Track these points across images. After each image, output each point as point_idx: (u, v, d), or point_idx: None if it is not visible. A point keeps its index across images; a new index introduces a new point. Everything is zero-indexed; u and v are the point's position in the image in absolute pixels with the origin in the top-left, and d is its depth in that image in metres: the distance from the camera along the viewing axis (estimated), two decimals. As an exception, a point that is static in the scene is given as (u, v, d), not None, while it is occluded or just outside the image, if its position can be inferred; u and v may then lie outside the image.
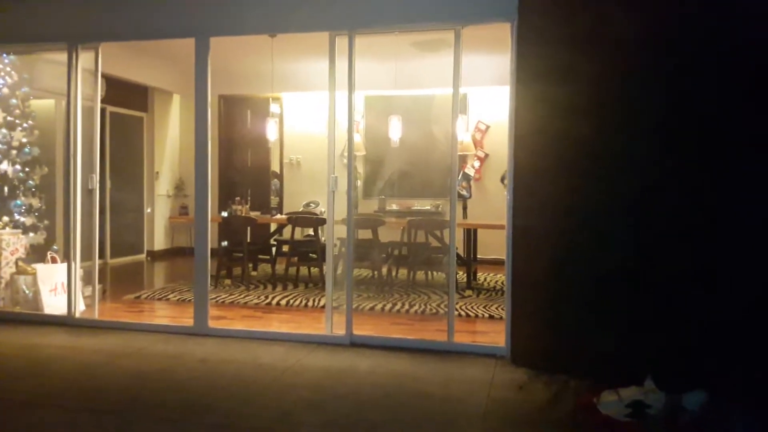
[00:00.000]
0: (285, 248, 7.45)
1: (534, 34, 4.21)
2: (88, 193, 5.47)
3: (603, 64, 3.99)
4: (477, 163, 9.19)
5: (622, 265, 3.97)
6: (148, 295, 6.59)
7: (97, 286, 5.50)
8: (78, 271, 5.47)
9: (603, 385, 3.50)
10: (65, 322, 5.34)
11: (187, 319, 5.22)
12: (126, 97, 9.19)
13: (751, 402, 3.05)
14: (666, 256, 3.89)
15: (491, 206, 8.44)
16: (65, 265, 5.50)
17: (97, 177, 5.45)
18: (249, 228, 7.44)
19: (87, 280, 5.64)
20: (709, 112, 3.81)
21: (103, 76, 5.68)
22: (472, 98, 9.11)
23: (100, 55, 5.38)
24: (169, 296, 6.49)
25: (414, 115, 8.70)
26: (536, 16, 4.19)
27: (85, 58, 5.40)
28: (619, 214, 3.99)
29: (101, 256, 8.06)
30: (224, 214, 7.51)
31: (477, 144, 9.16)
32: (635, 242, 3.96)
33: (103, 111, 8.32)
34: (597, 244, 4.05)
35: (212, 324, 5.09)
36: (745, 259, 3.72)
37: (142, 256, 9.57)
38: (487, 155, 9.16)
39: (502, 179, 6.43)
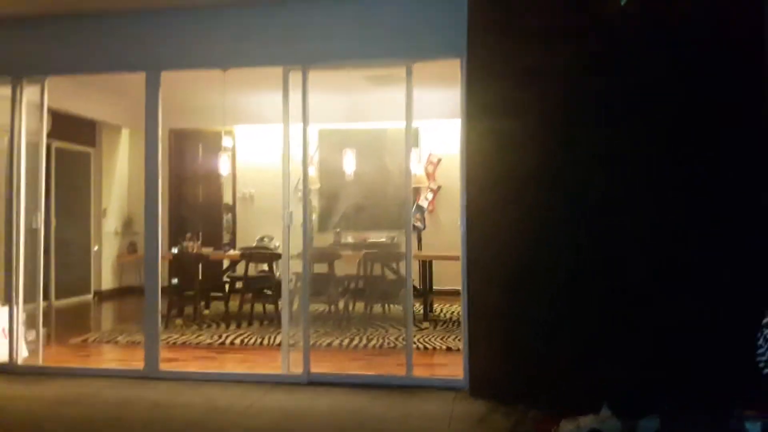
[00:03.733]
0: (239, 285, 7.32)
1: (482, 69, 4.34)
2: (31, 232, 5.26)
3: (546, 96, 4.16)
4: (430, 195, 9.30)
5: (575, 291, 4.07)
6: (96, 338, 6.34)
7: (41, 330, 5.26)
8: (20, 315, 5.22)
9: (561, 413, 3.54)
10: (6, 369, 5.06)
11: (137, 362, 5.03)
12: (73, 131, 8.95)
13: (702, 427, 3.14)
14: (615, 279, 4.02)
15: (445, 237, 8.51)
16: (6, 308, 5.24)
17: (41, 215, 5.26)
18: (201, 265, 7.28)
19: (30, 323, 5.38)
20: (648, 136, 4.03)
21: (48, 110, 5.54)
22: (425, 131, 9.25)
23: (46, 89, 5.25)
24: (117, 338, 6.26)
25: (368, 148, 8.76)
26: (484, 53, 4.32)
27: (30, 92, 5.25)
28: (567, 239, 4.12)
29: (45, 297, 7.71)
30: (174, 250, 7.35)
31: (429, 176, 9.28)
32: (584, 266, 4.08)
33: (48, 146, 8.04)
34: (548, 271, 4.15)
35: (164, 366, 4.92)
36: (694, 279, 3.88)
37: (89, 297, 9.23)
38: (439, 187, 9.28)
39: None
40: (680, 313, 3.84)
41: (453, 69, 4.62)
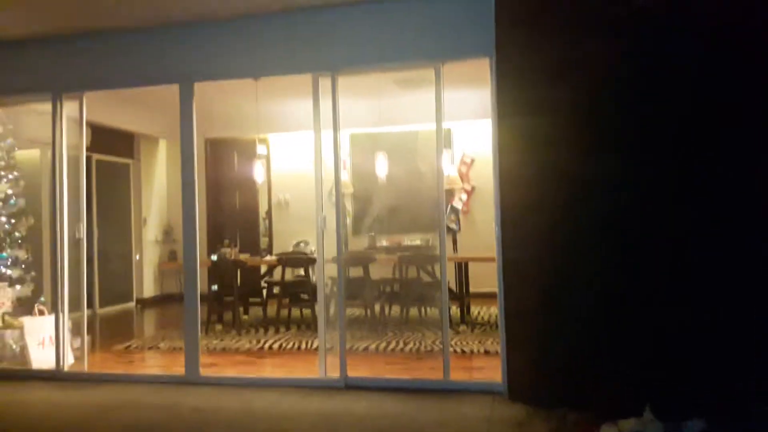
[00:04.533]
0: (276, 290, 7.39)
1: (512, 68, 4.29)
2: (75, 242, 5.42)
3: (577, 93, 4.09)
4: (464, 196, 9.24)
5: (613, 290, 3.99)
6: (138, 345, 6.48)
7: (86, 338, 5.41)
8: (66, 323, 5.38)
9: (602, 417, 3.47)
10: (54, 377, 5.23)
11: (178, 368, 5.13)
12: (112, 144, 9.20)
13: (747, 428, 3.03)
14: (654, 280, 3.92)
15: (481, 239, 8.45)
16: (53, 317, 5.41)
17: (84, 226, 5.41)
18: (239, 271, 7.38)
19: (75, 331, 5.55)
20: (680, 130, 3.92)
21: (88, 124, 5.70)
22: (457, 132, 9.21)
23: (84, 104, 5.40)
24: (159, 345, 6.39)
25: (400, 151, 8.76)
26: (513, 51, 4.28)
27: (69, 107, 5.42)
28: (604, 238, 4.03)
29: (89, 305, 7.94)
30: (213, 257, 7.46)
31: (463, 177, 9.23)
32: (623, 265, 3.99)
33: (89, 159, 8.30)
34: (586, 271, 4.07)
35: (204, 372, 5.01)
36: (738, 275, 3.75)
37: (132, 305, 9.45)
38: (473, 188, 9.22)
39: None
40: (724, 314, 3.72)
41: (483, 68, 4.59)
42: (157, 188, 10.14)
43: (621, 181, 4.02)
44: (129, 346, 6.44)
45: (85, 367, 5.31)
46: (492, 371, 4.79)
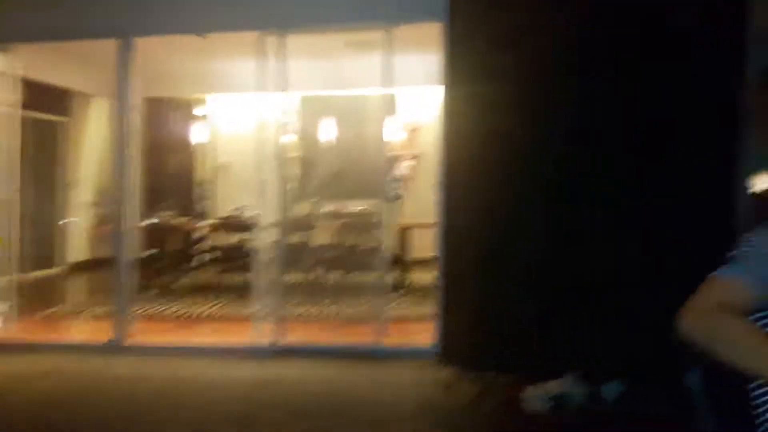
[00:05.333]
0: (212, 256, 7.22)
1: (464, 34, 4.24)
2: (5, 204, 5.13)
3: (526, 60, 4.06)
4: (408, 163, 9.18)
5: (546, 257, 4.03)
6: (65, 311, 6.25)
7: (8, 303, 5.16)
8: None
9: (529, 379, 3.52)
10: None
11: (105, 335, 4.94)
12: (43, 101, 8.70)
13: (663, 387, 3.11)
14: (587, 250, 3.97)
15: (423, 206, 8.40)
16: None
17: (17, 187, 5.13)
18: (175, 235, 7.17)
19: (2, 297, 5.27)
20: (627, 105, 3.94)
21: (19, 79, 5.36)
22: (404, 98, 9.09)
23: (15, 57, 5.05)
24: (86, 311, 6.16)
25: (347, 115, 8.61)
26: (465, 17, 4.23)
27: (-2, 60, 5.07)
28: (543, 207, 4.05)
29: (15, 270, 7.61)
30: (148, 221, 7.22)
31: (407, 144, 9.16)
32: (560, 233, 4.03)
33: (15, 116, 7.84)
34: (524, 237, 4.10)
35: (132, 339, 4.85)
36: (670, 248, 3.83)
37: (60, 269, 9.09)
38: (418, 155, 9.17)
39: None
40: (647, 288, 3.79)
41: (435, 34, 4.48)
42: (93, 148, 9.70)
43: (565, 151, 4.03)
44: (54, 312, 6.19)
45: (11, 334, 5.08)
46: (427, 335, 4.80)
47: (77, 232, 9.41)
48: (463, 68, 4.24)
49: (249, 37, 4.80)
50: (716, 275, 1.30)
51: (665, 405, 3.00)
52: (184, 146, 9.34)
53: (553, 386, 3.25)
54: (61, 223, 9.17)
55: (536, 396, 3.22)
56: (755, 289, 1.21)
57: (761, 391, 1.26)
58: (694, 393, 1.43)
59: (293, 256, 6.69)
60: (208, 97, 9.36)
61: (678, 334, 1.36)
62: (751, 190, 3.83)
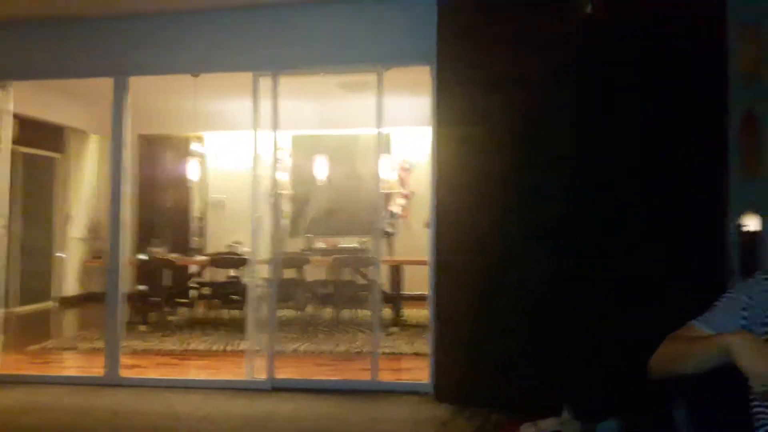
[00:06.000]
0: (206, 291, 7.21)
1: (451, 77, 4.35)
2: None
3: (513, 105, 4.18)
4: (402, 201, 9.29)
5: (541, 296, 4.08)
6: (56, 345, 6.19)
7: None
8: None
9: (524, 417, 3.53)
10: (-40, 378, 4.92)
11: (97, 369, 4.90)
12: (40, 137, 8.76)
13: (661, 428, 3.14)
14: (582, 288, 4.03)
15: (416, 243, 8.48)
16: (-38, 315, 5.10)
17: (5, 221, 5.14)
18: (168, 270, 7.16)
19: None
20: (613, 145, 4.05)
21: (14, 115, 5.42)
22: (397, 138, 9.25)
23: (11, 94, 5.13)
24: (78, 345, 6.11)
25: (340, 154, 8.74)
26: (453, 61, 4.34)
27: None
28: (536, 246, 4.11)
29: (4, 304, 7.54)
30: (142, 256, 7.22)
31: (402, 183, 9.28)
32: (552, 273, 4.08)
33: (14, 152, 7.89)
34: (515, 278, 4.15)
35: (124, 373, 4.81)
36: (656, 283, 3.90)
37: (51, 303, 9.01)
38: (412, 193, 9.28)
39: (426, 224, 6.51)
40: (642, 323, 3.84)
41: (424, 77, 4.62)
42: (87, 184, 9.73)
43: (554, 193, 4.12)
44: (45, 346, 6.13)
45: (-3, 369, 5.03)
46: (421, 372, 4.80)
47: (70, 266, 9.36)
48: (452, 110, 4.34)
49: (243, 77, 4.89)
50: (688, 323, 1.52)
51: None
52: (178, 182, 9.38)
53: (549, 424, 3.26)
54: (57, 255, 9.13)
55: (532, 433, 3.23)
56: (704, 328, 1.45)
57: (756, 404, 1.36)
58: (681, 427, 1.52)
59: (287, 291, 6.72)
60: (203, 135, 9.46)
61: (650, 376, 1.55)
62: (741, 229, 3.94)
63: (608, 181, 4.07)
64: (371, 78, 4.75)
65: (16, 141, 6.00)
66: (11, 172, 5.51)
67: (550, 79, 4.14)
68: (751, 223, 4.37)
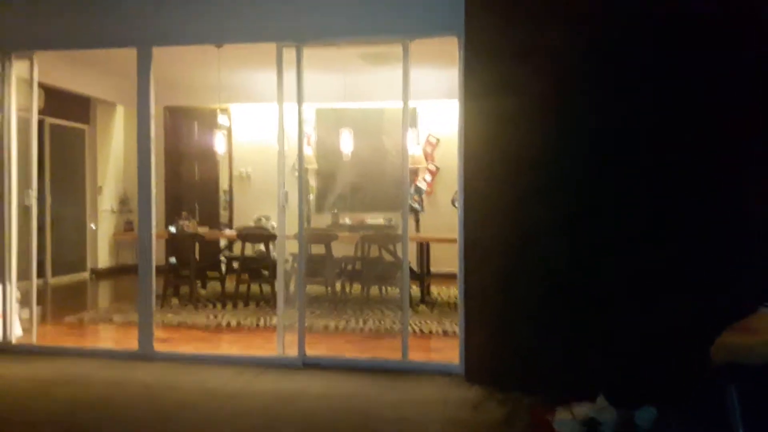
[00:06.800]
0: (235, 265, 7.26)
1: (480, 49, 4.24)
2: (24, 209, 5.20)
3: (546, 75, 4.07)
4: (428, 177, 9.21)
5: (572, 276, 4.02)
6: (91, 317, 6.30)
7: (35, 309, 5.21)
8: (14, 293, 5.17)
9: (557, 401, 3.50)
10: (0, 349, 5.03)
11: (131, 343, 4.98)
12: (66, 108, 8.83)
13: (699, 416, 3.10)
14: (613, 267, 3.96)
15: (444, 219, 8.43)
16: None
17: (34, 192, 5.19)
18: (197, 244, 7.22)
19: (25, 302, 5.33)
20: (642, 123, 3.94)
21: (41, 86, 5.43)
22: (423, 112, 9.13)
23: (35, 65, 5.14)
24: (113, 318, 6.22)
25: (365, 128, 8.66)
26: (482, 32, 4.23)
27: (19, 67, 5.14)
28: (566, 224, 4.04)
29: (41, 275, 7.69)
30: (171, 229, 7.28)
31: (428, 157, 9.19)
32: (583, 252, 4.02)
33: (41, 123, 7.94)
34: (544, 257, 4.09)
35: (157, 347, 4.89)
36: (688, 269, 3.82)
37: (85, 275, 9.19)
38: (438, 168, 9.19)
39: (453, 202, 6.42)
40: (676, 308, 3.78)
41: (451, 48, 4.52)
42: (114, 155, 9.81)
43: (585, 163, 4.02)
44: (81, 318, 6.25)
45: (34, 340, 5.13)
46: (450, 352, 4.80)
47: (102, 239, 9.51)
48: (480, 82, 4.24)
49: (267, 48, 4.83)
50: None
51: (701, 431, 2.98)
52: (205, 155, 9.41)
53: (584, 409, 3.23)
54: (91, 228, 9.27)
55: (566, 420, 3.21)
56: None
57: None
58: (732, 413, 1.50)
59: (315, 267, 6.73)
60: (228, 107, 9.43)
61: (712, 359, 1.50)
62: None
63: (642, 158, 3.95)
64: (397, 49, 4.65)
65: (42, 111, 6.01)
66: (41, 143, 5.55)
67: (580, 51, 4.02)
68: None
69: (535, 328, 4.08)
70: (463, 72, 4.36)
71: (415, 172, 9.04)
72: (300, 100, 4.68)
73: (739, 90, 3.82)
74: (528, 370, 4.01)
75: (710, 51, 3.84)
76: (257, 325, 5.94)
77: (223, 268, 7.51)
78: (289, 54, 4.70)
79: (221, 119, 9.04)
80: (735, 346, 1.42)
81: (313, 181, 9.25)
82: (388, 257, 7.02)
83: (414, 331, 5.59)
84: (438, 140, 9.18)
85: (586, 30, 4.00)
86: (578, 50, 4.02)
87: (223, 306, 6.75)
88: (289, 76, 4.70)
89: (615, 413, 3.19)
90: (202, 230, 7.47)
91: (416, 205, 8.83)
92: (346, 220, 8.29)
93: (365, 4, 4.61)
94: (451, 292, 7.60)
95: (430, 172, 9.21)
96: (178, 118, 9.73)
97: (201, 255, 7.60)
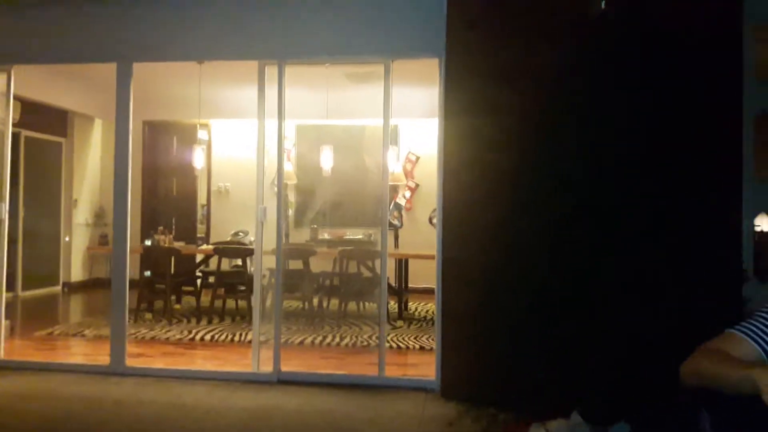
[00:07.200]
0: (211, 279, 7.20)
1: (461, 70, 4.29)
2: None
3: (523, 98, 4.11)
4: (408, 194, 9.26)
5: (548, 295, 4.05)
6: (62, 331, 6.19)
7: (4, 322, 5.10)
8: (-18, 307, 5.06)
9: (531, 418, 3.51)
10: (-34, 363, 4.92)
11: (103, 357, 4.90)
12: (44, 121, 8.74)
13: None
14: (591, 286, 3.99)
15: (422, 236, 8.48)
16: (-32, 300, 5.08)
17: (6, 205, 5.11)
18: (173, 258, 7.15)
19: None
20: (625, 139, 4.00)
21: (18, 98, 5.37)
22: (404, 130, 9.21)
23: (12, 78, 5.09)
24: (84, 332, 6.12)
25: (346, 145, 8.69)
26: (463, 53, 4.27)
27: (-5, 80, 5.10)
28: (544, 242, 4.07)
29: (11, 288, 7.54)
30: (147, 243, 7.20)
31: (408, 175, 9.25)
32: (560, 271, 4.05)
33: (17, 135, 7.85)
34: (524, 275, 4.11)
35: (130, 362, 4.80)
36: (667, 282, 3.87)
37: (58, 288, 9.03)
38: (417, 185, 9.25)
39: (431, 220, 6.46)
40: (652, 323, 3.83)
41: (432, 68, 4.58)
42: (91, 169, 9.71)
43: (564, 188, 4.06)
44: (51, 332, 6.13)
45: (2, 354, 5.02)
46: (427, 368, 4.80)
47: (76, 252, 9.37)
48: (460, 102, 4.28)
49: (248, 65, 4.85)
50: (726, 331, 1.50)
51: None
52: (183, 169, 9.35)
53: (557, 425, 3.25)
54: (65, 240, 9.13)
55: (540, 435, 3.22)
56: (747, 339, 1.46)
57: None
58: None
59: (292, 282, 6.71)
60: (208, 122, 9.42)
61: (680, 381, 1.54)
62: (754, 229, 3.91)
63: (619, 179, 4.01)
64: (377, 68, 4.70)
65: (18, 124, 5.94)
66: (16, 155, 5.48)
67: (561, 73, 4.07)
68: (764, 223, 4.34)
69: (512, 345, 4.10)
70: (443, 92, 4.41)
71: (395, 189, 9.08)
72: (281, 117, 4.69)
73: (725, 109, 3.90)
74: (504, 386, 4.01)
75: (691, 75, 3.93)
76: (232, 340, 5.88)
77: (199, 283, 7.44)
78: (271, 71, 4.72)
79: (201, 134, 9.02)
80: (709, 375, 1.44)
81: (292, 197, 9.23)
82: (366, 273, 7.02)
83: (391, 347, 5.58)
84: (418, 158, 9.26)
85: (566, 52, 4.07)
86: (559, 70, 4.08)
87: (198, 321, 6.68)
88: (271, 92, 4.72)
89: (587, 429, 3.21)
90: (178, 245, 7.40)
91: (395, 221, 8.87)
92: (325, 236, 8.29)
93: (348, 24, 4.66)
94: (429, 307, 7.62)
95: (410, 188, 9.27)
96: (156, 133, 9.68)
97: (176, 270, 7.52)
